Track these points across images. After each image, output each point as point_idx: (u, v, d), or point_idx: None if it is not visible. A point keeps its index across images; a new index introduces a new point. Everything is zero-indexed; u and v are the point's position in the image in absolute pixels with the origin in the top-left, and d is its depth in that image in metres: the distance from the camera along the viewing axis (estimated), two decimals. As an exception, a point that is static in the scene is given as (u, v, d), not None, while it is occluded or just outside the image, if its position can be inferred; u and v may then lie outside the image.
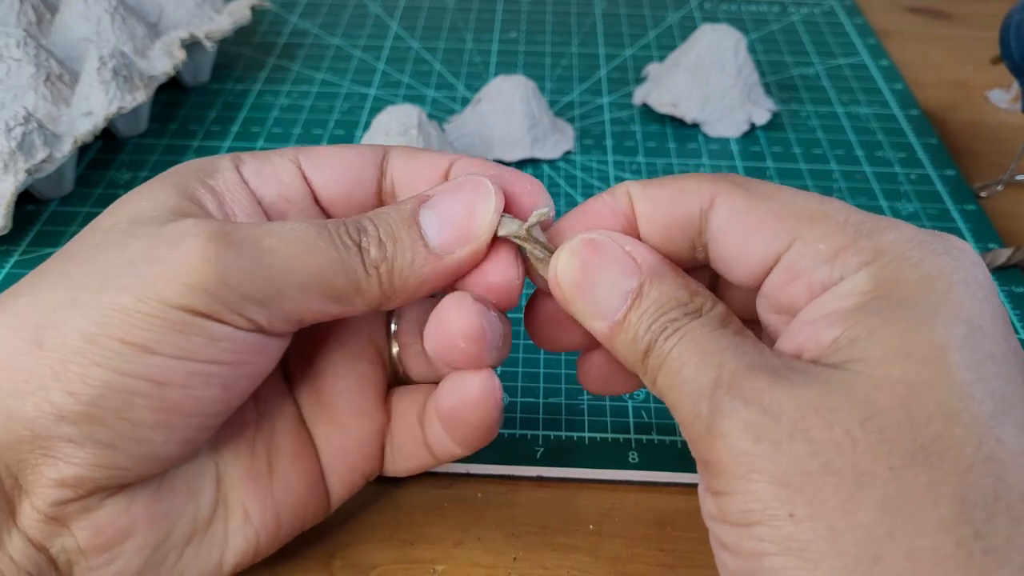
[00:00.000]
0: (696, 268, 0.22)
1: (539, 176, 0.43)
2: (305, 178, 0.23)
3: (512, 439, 0.29)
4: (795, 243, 0.19)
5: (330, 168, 0.23)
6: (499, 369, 0.32)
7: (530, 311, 0.24)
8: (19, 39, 0.39)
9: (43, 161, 0.36)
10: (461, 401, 0.22)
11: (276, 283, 0.19)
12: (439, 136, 0.39)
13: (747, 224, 0.20)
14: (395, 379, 0.26)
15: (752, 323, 0.21)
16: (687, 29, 0.55)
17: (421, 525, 0.27)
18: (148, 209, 0.20)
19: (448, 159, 0.23)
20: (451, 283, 0.22)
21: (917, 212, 0.41)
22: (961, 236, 0.39)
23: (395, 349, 0.26)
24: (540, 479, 0.29)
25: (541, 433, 0.30)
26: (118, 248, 0.19)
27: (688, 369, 0.18)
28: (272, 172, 0.23)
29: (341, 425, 0.25)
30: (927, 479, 0.15)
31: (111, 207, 0.21)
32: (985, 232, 0.39)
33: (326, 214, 0.24)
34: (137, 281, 0.18)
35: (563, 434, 0.30)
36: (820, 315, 0.18)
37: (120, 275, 0.19)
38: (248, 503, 0.23)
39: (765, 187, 0.20)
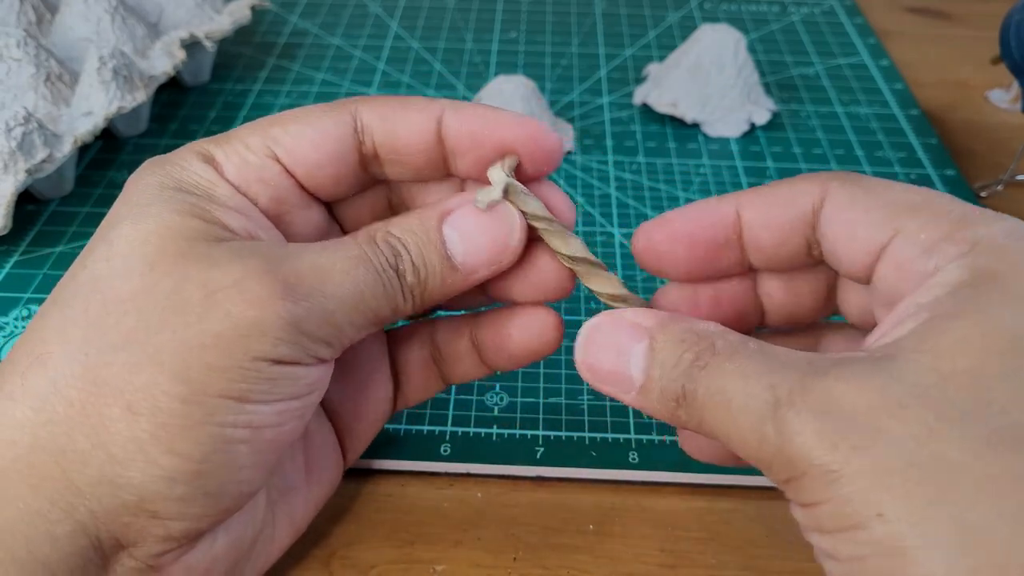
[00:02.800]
0: (816, 270, 0.22)
1: (539, 176, 0.43)
2: (286, 171, 0.23)
3: (512, 439, 0.29)
4: (898, 234, 0.19)
5: (308, 156, 0.22)
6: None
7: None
8: (19, 39, 0.39)
9: (43, 161, 0.36)
10: (537, 334, 0.24)
11: (338, 324, 0.20)
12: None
13: (853, 217, 0.20)
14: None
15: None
16: (687, 29, 0.55)
17: (421, 525, 0.27)
18: (177, 241, 0.20)
19: (434, 114, 0.23)
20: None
21: (917, 212, 0.41)
22: (961, 236, 0.39)
23: None
24: (540, 479, 0.29)
25: (541, 433, 0.30)
26: (174, 300, 0.19)
27: (737, 398, 0.18)
28: (257, 177, 0.22)
29: (357, 392, 0.26)
30: (1008, 463, 0.15)
31: (97, 241, 0.20)
32: (985, 232, 0.39)
33: (315, 196, 0.24)
34: (223, 340, 0.19)
35: (563, 434, 0.30)
36: (913, 303, 0.18)
37: (199, 333, 0.19)
38: (290, 507, 0.24)
39: (872, 181, 0.20)
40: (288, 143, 0.22)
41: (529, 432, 0.30)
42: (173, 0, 0.48)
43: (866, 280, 0.21)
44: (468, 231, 0.22)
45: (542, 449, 0.29)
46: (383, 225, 0.22)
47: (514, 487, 0.28)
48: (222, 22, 0.47)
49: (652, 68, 0.50)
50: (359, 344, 0.25)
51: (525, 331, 0.24)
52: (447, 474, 0.29)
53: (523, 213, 0.22)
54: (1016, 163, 0.43)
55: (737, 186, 0.42)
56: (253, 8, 0.49)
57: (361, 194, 0.25)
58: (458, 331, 0.26)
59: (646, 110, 0.48)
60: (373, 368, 0.26)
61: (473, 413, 0.30)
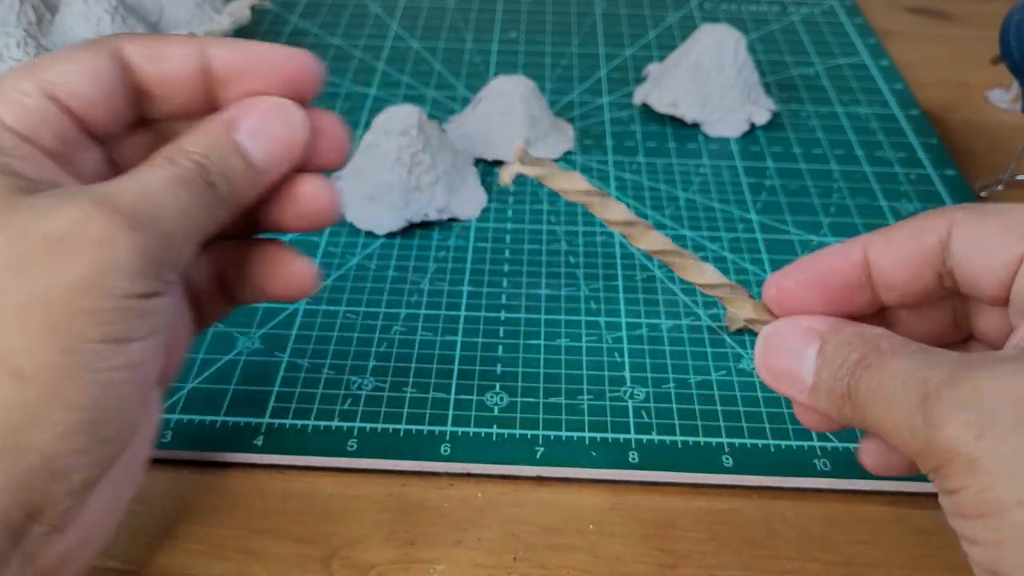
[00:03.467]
0: (948, 302, 0.23)
1: (539, 176, 0.43)
2: (65, 108, 0.22)
3: (512, 439, 0.29)
4: None
5: (82, 91, 0.22)
6: (500, 369, 0.32)
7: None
8: (19, 39, 0.39)
9: (43, 161, 0.36)
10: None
11: (177, 244, 0.21)
12: (439, 136, 0.39)
13: (985, 238, 0.21)
14: None
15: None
16: (687, 29, 0.55)
17: (421, 525, 0.27)
18: None
19: (198, 47, 0.24)
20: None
21: (917, 212, 0.41)
22: (961, 236, 0.39)
23: None
24: (540, 479, 0.29)
25: (541, 433, 0.30)
26: (13, 257, 0.19)
27: (894, 394, 0.19)
28: (40, 119, 0.22)
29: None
30: None
31: None
32: (985, 232, 0.39)
33: (90, 134, 0.23)
34: (86, 284, 0.19)
35: (563, 434, 0.30)
36: None
37: (60, 283, 0.19)
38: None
39: (993, 206, 0.21)
40: (61, 82, 0.22)
41: (529, 432, 0.30)
42: (173, 0, 0.48)
43: (1003, 300, 0.21)
44: (257, 133, 0.23)
45: (542, 449, 0.29)
46: (175, 145, 0.23)
47: (514, 487, 0.28)
48: (222, 22, 0.47)
49: (652, 68, 0.50)
50: None
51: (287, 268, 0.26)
52: (447, 474, 0.29)
53: (565, 191, 0.24)
54: (1016, 163, 0.43)
55: (737, 186, 0.42)
56: (253, 8, 0.49)
57: (133, 136, 0.25)
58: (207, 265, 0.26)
59: (646, 110, 0.48)
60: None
61: (473, 413, 0.30)
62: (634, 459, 0.29)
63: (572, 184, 0.24)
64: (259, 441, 0.29)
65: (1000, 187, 0.43)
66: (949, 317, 0.24)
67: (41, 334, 0.18)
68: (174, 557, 0.26)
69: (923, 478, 0.19)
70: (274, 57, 0.24)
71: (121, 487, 0.22)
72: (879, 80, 0.51)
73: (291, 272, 0.26)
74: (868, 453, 0.24)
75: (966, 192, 0.42)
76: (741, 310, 0.25)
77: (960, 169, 0.44)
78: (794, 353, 0.22)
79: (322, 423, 0.30)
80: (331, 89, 0.49)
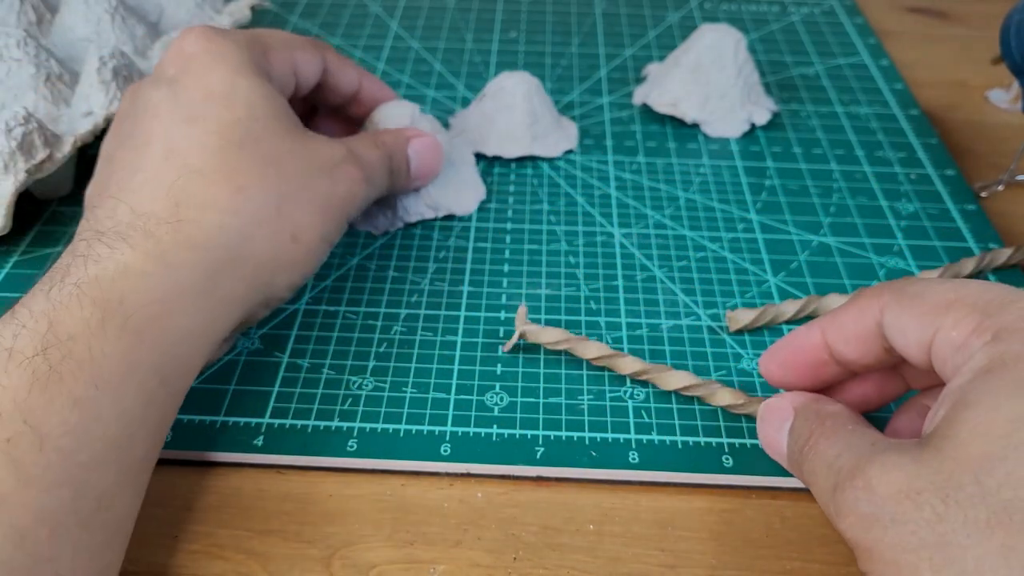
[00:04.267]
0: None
1: (539, 175, 0.43)
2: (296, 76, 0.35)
3: (512, 439, 0.29)
4: (937, 333, 0.22)
5: (307, 79, 0.35)
6: (500, 368, 0.32)
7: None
8: (19, 39, 0.39)
9: (43, 161, 0.36)
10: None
11: (371, 199, 0.34)
12: (437, 131, 0.39)
13: (904, 325, 0.23)
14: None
15: None
16: (687, 29, 0.55)
17: (421, 525, 0.27)
18: (282, 118, 0.30)
19: (359, 73, 0.38)
20: None
21: (917, 212, 0.41)
22: (961, 236, 0.39)
23: None
24: (540, 479, 0.29)
25: (541, 433, 0.30)
26: (311, 163, 0.30)
27: (818, 481, 0.22)
28: (283, 84, 0.33)
29: None
30: (999, 543, 0.17)
31: (219, 96, 0.29)
32: (985, 232, 0.39)
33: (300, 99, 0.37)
34: (343, 200, 0.31)
35: (563, 434, 0.30)
36: (946, 393, 0.21)
37: (334, 193, 0.30)
38: None
39: (917, 286, 0.23)
40: (302, 69, 0.34)
41: (529, 432, 0.30)
42: (173, 0, 0.48)
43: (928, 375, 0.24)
44: (421, 155, 0.36)
45: (542, 449, 0.29)
46: (376, 135, 0.34)
47: (514, 487, 0.28)
48: (222, 22, 0.47)
49: (652, 68, 0.50)
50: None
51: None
52: (447, 474, 0.29)
53: (551, 343, 0.32)
54: (1016, 163, 0.43)
55: (737, 186, 0.42)
56: (253, 8, 0.49)
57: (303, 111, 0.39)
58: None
59: (646, 110, 0.48)
60: None
61: (473, 413, 0.30)
62: (634, 459, 0.29)
63: (554, 337, 0.31)
64: (259, 441, 0.29)
65: (1000, 187, 0.43)
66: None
67: (316, 219, 0.29)
68: (174, 557, 0.26)
69: None
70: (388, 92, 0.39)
71: None
72: (879, 80, 0.51)
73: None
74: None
75: (966, 192, 0.42)
76: (720, 400, 0.30)
77: (960, 169, 0.44)
78: (776, 428, 0.25)
79: (322, 423, 0.30)
80: (331, 89, 0.49)
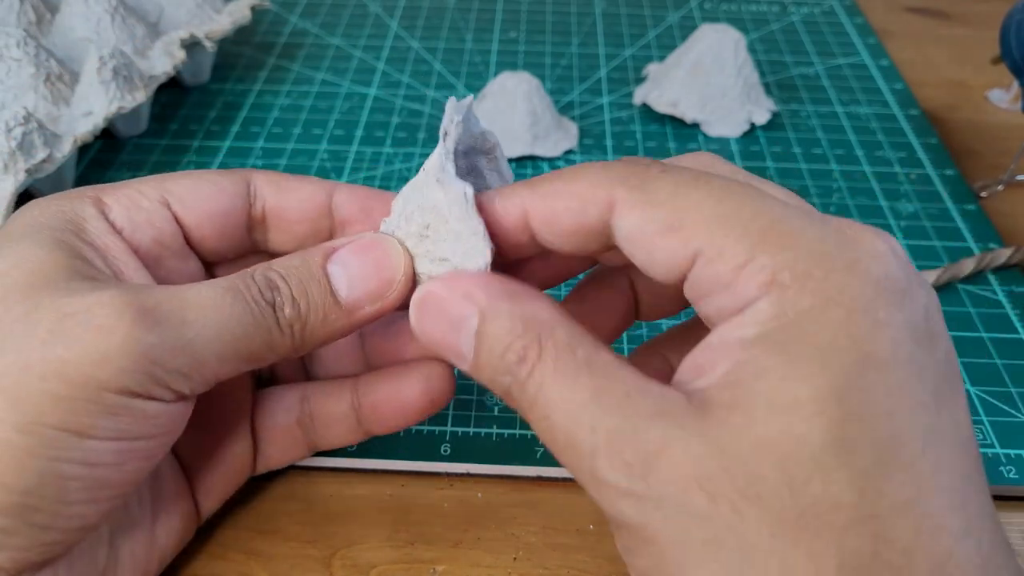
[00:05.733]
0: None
1: (539, 174, 0.43)
2: (175, 218, 0.23)
3: (512, 439, 0.29)
4: (696, 260, 0.17)
5: (199, 205, 0.23)
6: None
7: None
8: (19, 39, 0.39)
9: (43, 161, 0.36)
10: (436, 387, 0.24)
11: (199, 356, 0.19)
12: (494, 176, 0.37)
13: (647, 240, 0.18)
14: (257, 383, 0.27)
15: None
16: (687, 29, 0.55)
17: (421, 525, 0.27)
18: (39, 272, 0.19)
19: (326, 188, 0.24)
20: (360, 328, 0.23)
21: (917, 212, 0.41)
22: (961, 236, 0.39)
23: None
24: (540, 479, 0.29)
25: (541, 433, 0.30)
26: (23, 324, 0.18)
27: (560, 431, 0.17)
28: (145, 219, 0.22)
29: (216, 449, 0.25)
30: (807, 547, 0.15)
31: None
32: (985, 232, 0.39)
33: (197, 253, 0.24)
34: (65, 367, 0.18)
35: (563, 434, 0.30)
36: (720, 340, 0.17)
37: (40, 358, 0.18)
38: (136, 552, 0.23)
39: (662, 184, 0.18)
40: (181, 193, 0.23)
41: (529, 432, 0.30)
42: (173, 0, 0.48)
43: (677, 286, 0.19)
44: (353, 266, 0.22)
45: (542, 449, 0.29)
46: (261, 264, 0.21)
47: (514, 487, 0.28)
48: (222, 22, 0.47)
49: (652, 68, 0.50)
50: (220, 396, 0.24)
51: (427, 383, 0.24)
52: (447, 474, 0.29)
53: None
54: (1016, 163, 0.43)
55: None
56: (253, 8, 0.49)
57: (240, 261, 0.25)
58: (337, 395, 0.25)
59: (646, 110, 0.48)
60: (232, 423, 0.25)
61: (473, 413, 0.30)
62: (634, 459, 0.29)
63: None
64: (259, 441, 0.29)
65: (1000, 187, 0.43)
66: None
67: (1, 403, 0.18)
68: (174, 557, 0.26)
69: None
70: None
71: None
72: (879, 80, 0.51)
73: (431, 383, 0.24)
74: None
75: (966, 192, 0.42)
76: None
77: (960, 169, 0.44)
78: (452, 323, 0.19)
79: (322, 423, 0.30)
80: (331, 89, 0.49)
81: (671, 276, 0.18)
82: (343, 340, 0.25)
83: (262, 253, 0.25)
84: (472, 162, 0.23)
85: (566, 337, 0.18)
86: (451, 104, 0.21)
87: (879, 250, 0.17)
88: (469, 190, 0.20)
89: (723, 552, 0.15)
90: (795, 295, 0.16)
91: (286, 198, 0.24)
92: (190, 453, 0.25)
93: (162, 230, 0.23)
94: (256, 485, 0.28)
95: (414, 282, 0.22)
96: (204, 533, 0.26)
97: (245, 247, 0.24)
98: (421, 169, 0.22)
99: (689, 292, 0.18)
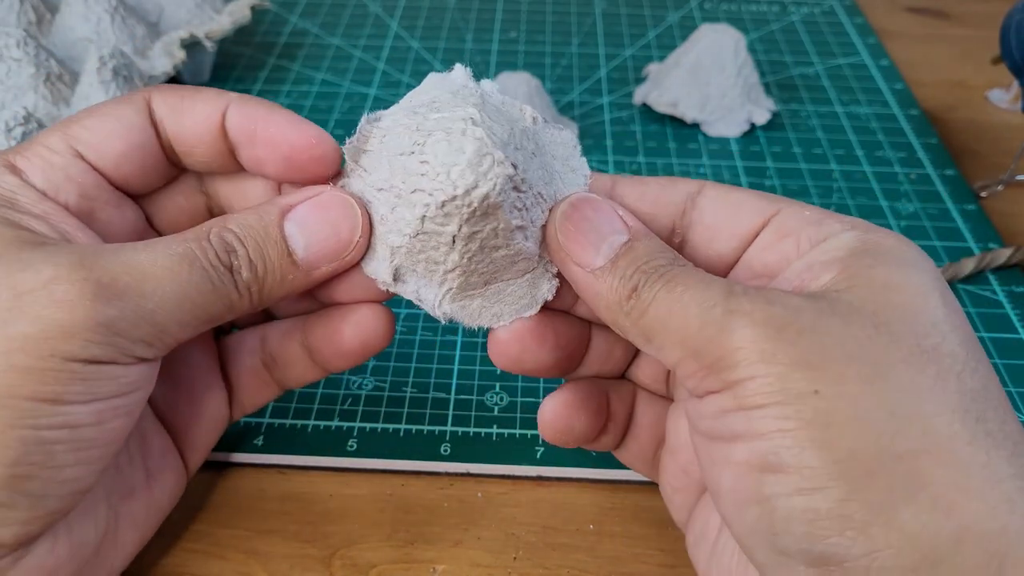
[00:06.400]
0: None
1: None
2: (91, 166, 0.22)
3: (512, 439, 0.29)
4: (781, 211, 0.22)
5: (110, 147, 0.22)
6: (500, 368, 0.32)
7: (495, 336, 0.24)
8: (19, 39, 0.39)
9: (43, 161, 0.36)
10: (371, 329, 0.24)
11: (160, 324, 0.20)
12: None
13: (735, 200, 0.22)
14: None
15: None
16: (687, 29, 0.55)
17: (421, 525, 0.27)
18: None
19: (220, 106, 0.23)
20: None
21: (917, 212, 0.41)
22: (961, 236, 0.39)
23: None
24: (540, 479, 0.29)
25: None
26: None
27: (691, 294, 0.19)
28: (64, 176, 0.22)
29: (188, 400, 0.26)
30: (934, 371, 0.17)
31: None
32: (985, 232, 0.39)
33: (126, 192, 0.23)
34: (29, 342, 0.18)
35: (563, 434, 0.30)
36: (815, 261, 0.20)
37: (5, 338, 0.18)
38: (134, 510, 0.24)
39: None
40: (89, 138, 0.22)
41: (529, 432, 0.30)
42: (173, 0, 0.48)
43: (732, 258, 0.22)
44: (310, 225, 0.22)
45: (542, 449, 0.29)
46: (218, 221, 0.21)
47: (514, 487, 0.28)
48: (222, 22, 0.47)
49: (652, 68, 0.50)
50: (186, 352, 0.25)
51: (358, 328, 0.24)
52: (447, 474, 0.29)
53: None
54: (1016, 163, 0.43)
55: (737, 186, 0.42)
56: (253, 8, 0.49)
57: (172, 189, 0.25)
58: (288, 335, 0.26)
59: (646, 110, 0.48)
60: (202, 376, 0.26)
61: (473, 413, 0.30)
62: (634, 459, 0.29)
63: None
64: (259, 441, 0.29)
65: (1000, 187, 0.43)
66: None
67: None
68: (174, 557, 0.26)
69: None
70: (276, 130, 0.22)
71: (82, 549, 0.22)
72: (879, 80, 0.51)
73: (365, 326, 0.24)
74: (550, 410, 0.24)
75: (966, 192, 0.42)
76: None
77: (960, 169, 0.44)
78: (601, 231, 0.21)
79: (322, 423, 0.30)
80: (331, 89, 0.49)
81: (750, 228, 0.22)
82: None
83: (191, 177, 0.25)
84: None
85: (698, 268, 0.21)
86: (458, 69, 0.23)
87: (918, 249, 0.21)
88: (574, 133, 0.23)
89: (859, 366, 0.17)
90: (876, 236, 0.20)
91: (181, 122, 0.23)
92: (169, 411, 0.25)
93: (84, 184, 0.22)
94: (256, 485, 0.28)
95: (370, 239, 0.22)
96: (204, 533, 0.26)
97: (170, 172, 0.24)
98: (414, 108, 0.21)
99: (762, 240, 0.22)
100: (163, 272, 0.20)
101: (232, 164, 0.23)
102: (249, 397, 0.27)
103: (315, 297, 0.25)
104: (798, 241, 0.21)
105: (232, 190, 0.25)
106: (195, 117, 0.23)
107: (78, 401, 0.19)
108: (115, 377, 0.20)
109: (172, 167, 0.24)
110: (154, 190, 0.24)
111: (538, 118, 0.22)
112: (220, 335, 0.27)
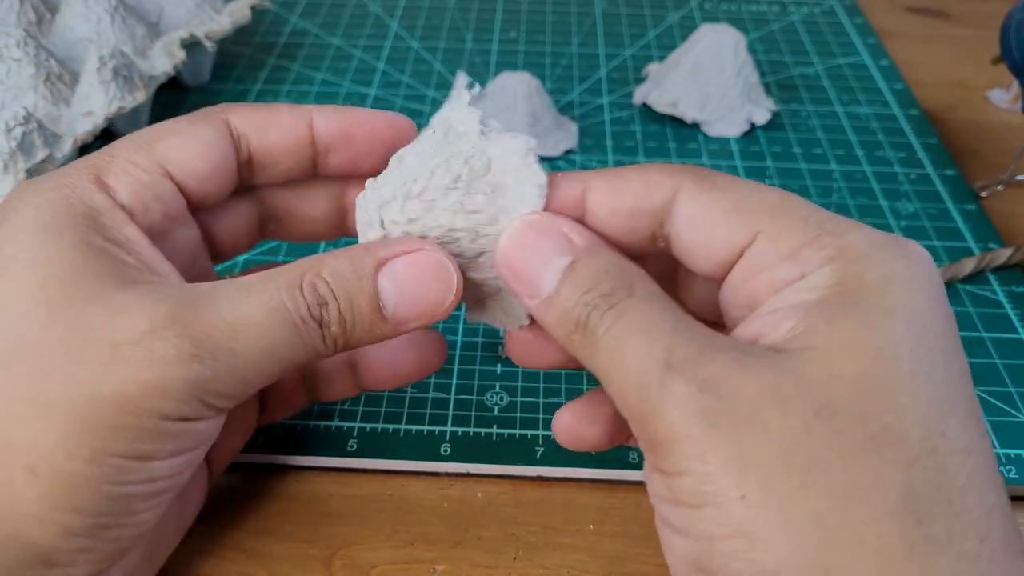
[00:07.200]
0: (657, 255, 0.22)
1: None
2: (178, 186, 0.22)
3: (512, 439, 0.29)
4: (758, 237, 0.19)
5: (196, 168, 0.22)
6: (499, 368, 0.32)
7: (510, 334, 0.24)
8: (19, 39, 0.39)
9: (43, 161, 0.36)
10: (430, 353, 0.25)
11: (248, 380, 0.20)
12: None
13: (710, 218, 0.20)
14: None
15: (712, 321, 0.21)
16: (687, 29, 0.55)
17: (421, 525, 0.27)
18: (65, 281, 0.19)
19: (304, 116, 0.23)
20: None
21: (917, 212, 0.41)
22: (961, 236, 0.39)
23: None
24: (540, 479, 0.29)
25: (541, 433, 0.30)
26: (77, 351, 0.18)
27: (632, 348, 0.18)
28: (152, 195, 0.22)
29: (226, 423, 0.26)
30: (876, 468, 0.16)
31: None
32: (985, 232, 0.39)
33: (195, 209, 0.23)
34: (126, 401, 0.18)
35: (563, 434, 0.30)
36: (782, 305, 0.18)
37: (99, 390, 0.18)
38: (168, 530, 0.24)
39: (726, 180, 0.20)
40: (175, 157, 0.22)
41: (529, 432, 0.30)
42: (173, 0, 0.48)
43: (718, 278, 0.21)
44: (406, 283, 0.21)
45: (542, 449, 0.29)
46: (313, 266, 0.21)
47: (514, 487, 0.28)
48: (222, 22, 0.47)
49: (652, 68, 0.50)
50: None
51: (419, 350, 0.25)
52: (447, 474, 0.29)
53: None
54: (1016, 163, 0.43)
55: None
56: (253, 8, 0.49)
57: (230, 205, 0.25)
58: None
59: (646, 110, 0.48)
60: None
61: (473, 413, 0.30)
62: (634, 459, 0.29)
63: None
64: (260, 441, 0.29)
65: (1000, 187, 0.43)
66: (668, 274, 0.23)
67: (66, 438, 0.18)
68: (174, 556, 0.26)
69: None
70: (374, 123, 0.23)
71: (138, 567, 0.23)
72: (879, 80, 0.51)
73: (425, 350, 0.25)
74: (564, 421, 0.24)
75: (966, 192, 0.42)
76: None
77: (960, 169, 0.44)
78: (543, 257, 0.20)
79: (322, 423, 0.30)
80: (331, 89, 0.49)
81: (723, 255, 0.20)
82: None
83: (250, 192, 0.25)
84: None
85: (655, 289, 0.20)
86: (461, 78, 0.23)
87: (923, 253, 0.19)
88: (532, 142, 0.21)
89: (791, 467, 0.16)
90: (859, 268, 0.18)
91: (267, 137, 0.23)
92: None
93: (170, 204, 0.22)
94: (256, 485, 0.28)
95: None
96: (204, 533, 0.26)
97: (232, 189, 0.24)
98: (432, 128, 0.22)
99: (738, 272, 0.20)
100: (255, 329, 0.19)
101: (307, 172, 0.24)
102: (279, 407, 0.27)
103: None
104: (771, 280, 0.19)
105: (294, 198, 0.25)
106: (281, 130, 0.23)
107: (163, 458, 0.20)
108: (198, 432, 0.20)
109: (236, 182, 0.24)
110: (213, 205, 0.24)
111: (487, 130, 0.22)
112: None
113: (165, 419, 0.19)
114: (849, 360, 0.17)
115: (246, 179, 0.24)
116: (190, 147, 0.22)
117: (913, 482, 0.16)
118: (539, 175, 0.21)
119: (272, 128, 0.23)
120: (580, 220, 0.21)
